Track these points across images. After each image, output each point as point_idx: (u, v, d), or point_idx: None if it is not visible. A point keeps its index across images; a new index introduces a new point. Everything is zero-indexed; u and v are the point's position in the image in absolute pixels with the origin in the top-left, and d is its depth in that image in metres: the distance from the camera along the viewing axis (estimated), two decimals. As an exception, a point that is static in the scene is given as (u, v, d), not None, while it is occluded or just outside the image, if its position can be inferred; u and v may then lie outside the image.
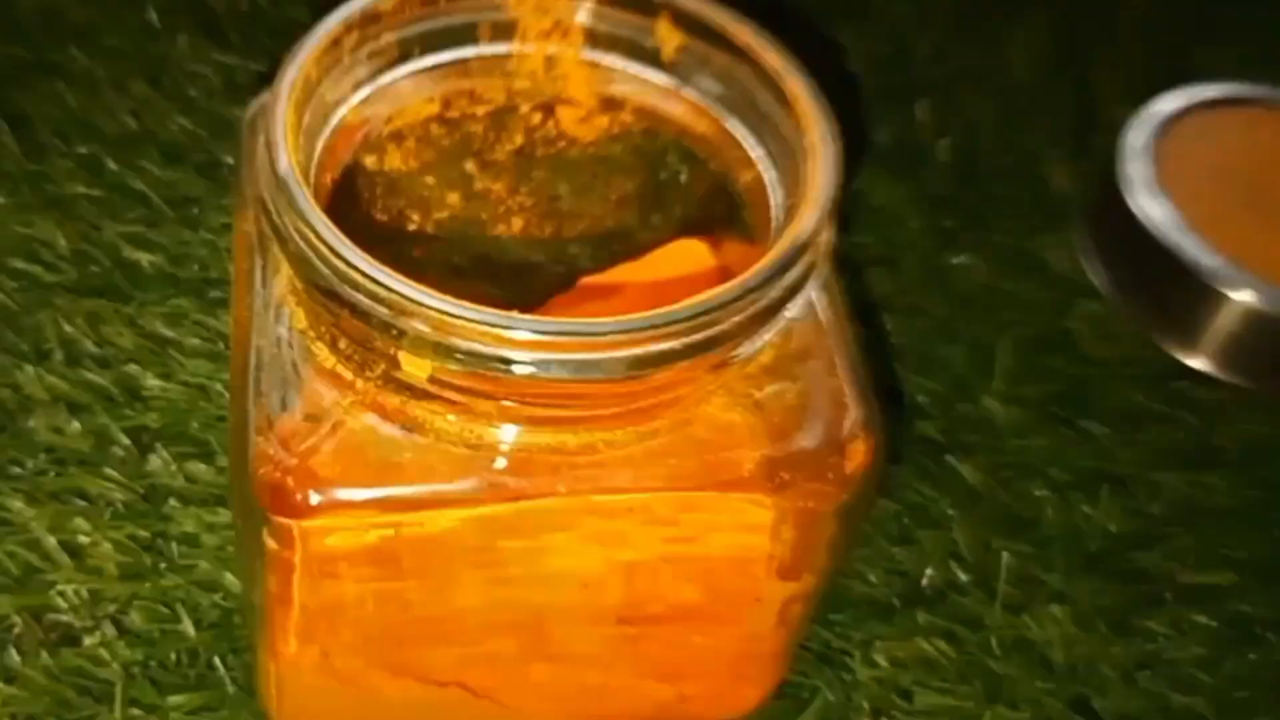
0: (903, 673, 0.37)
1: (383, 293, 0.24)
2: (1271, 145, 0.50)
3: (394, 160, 0.34)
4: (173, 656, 0.36)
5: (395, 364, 0.25)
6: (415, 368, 0.25)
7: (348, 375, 0.26)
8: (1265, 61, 0.55)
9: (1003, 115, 0.53)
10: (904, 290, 0.47)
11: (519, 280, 0.38)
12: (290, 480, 0.25)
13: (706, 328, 0.24)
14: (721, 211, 0.36)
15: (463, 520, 0.26)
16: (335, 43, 0.28)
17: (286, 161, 0.25)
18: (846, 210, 0.48)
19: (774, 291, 0.25)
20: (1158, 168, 0.48)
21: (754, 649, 0.31)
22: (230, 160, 0.47)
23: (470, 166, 0.35)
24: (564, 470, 0.26)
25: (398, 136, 0.33)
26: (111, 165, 0.46)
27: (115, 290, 0.43)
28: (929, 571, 0.39)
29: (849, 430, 0.27)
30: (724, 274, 0.35)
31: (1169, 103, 0.50)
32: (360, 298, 0.25)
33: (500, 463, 0.26)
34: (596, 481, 0.26)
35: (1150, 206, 0.47)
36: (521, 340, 0.24)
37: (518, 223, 0.37)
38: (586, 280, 0.35)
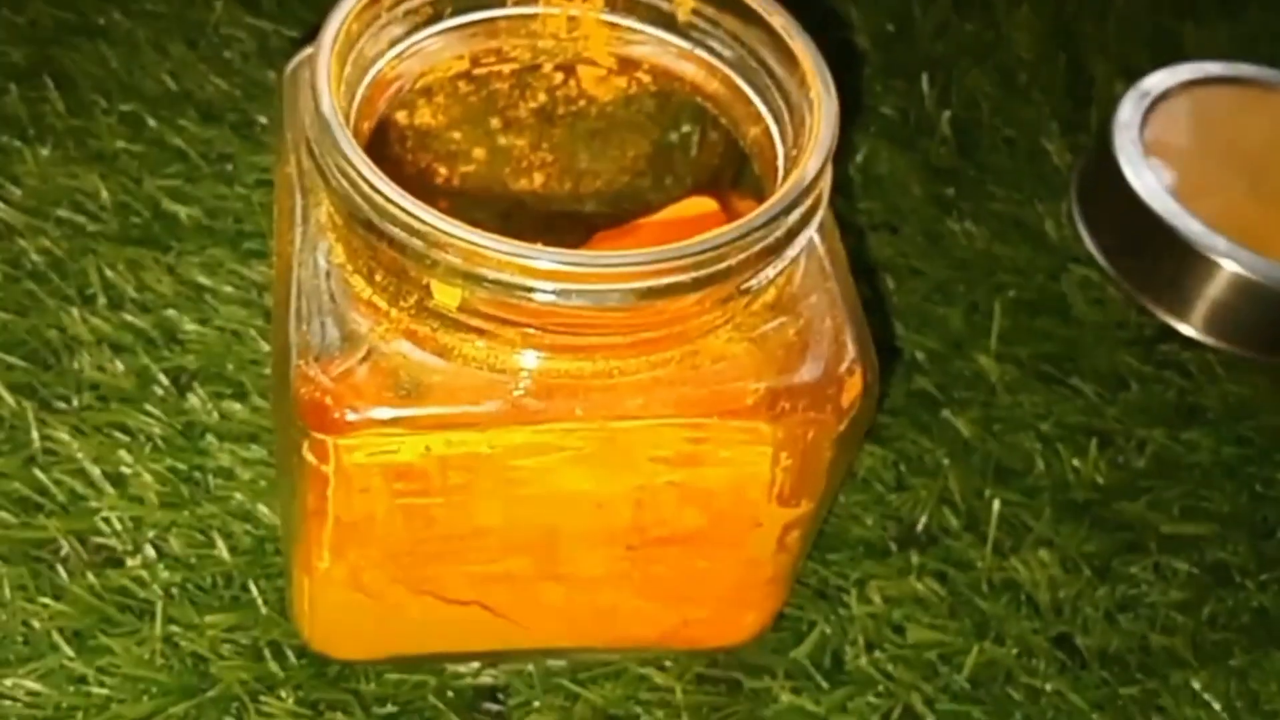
0: (895, 609, 0.39)
1: (417, 225, 0.26)
2: (1259, 122, 0.52)
3: (424, 116, 0.36)
4: (209, 579, 0.38)
5: (427, 293, 0.27)
6: (446, 296, 0.27)
7: (382, 304, 0.28)
8: (1254, 41, 0.57)
9: (1002, 90, 0.55)
10: (905, 254, 0.49)
11: (538, 232, 0.40)
12: (329, 399, 0.28)
13: (714, 262, 0.26)
14: (730, 169, 0.38)
15: (486, 440, 0.28)
16: (374, 1, 0.30)
17: (330, 103, 0.28)
18: (852, 178, 0.51)
19: (779, 230, 0.27)
20: (1149, 141, 0.50)
21: (754, 574, 0.33)
22: (264, 120, 0.49)
23: (495, 123, 0.37)
24: (580, 395, 0.28)
25: (428, 92, 0.35)
26: (151, 123, 0.49)
27: (155, 240, 0.46)
28: (923, 516, 0.41)
29: (846, 365, 0.29)
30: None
31: (1160, 80, 0.52)
32: (396, 231, 0.27)
33: (522, 387, 0.28)
34: (610, 407, 0.28)
35: (1141, 177, 0.49)
36: (544, 270, 0.26)
37: (538, 178, 0.39)
38: (603, 234, 0.38)
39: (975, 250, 0.49)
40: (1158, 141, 0.50)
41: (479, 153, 0.38)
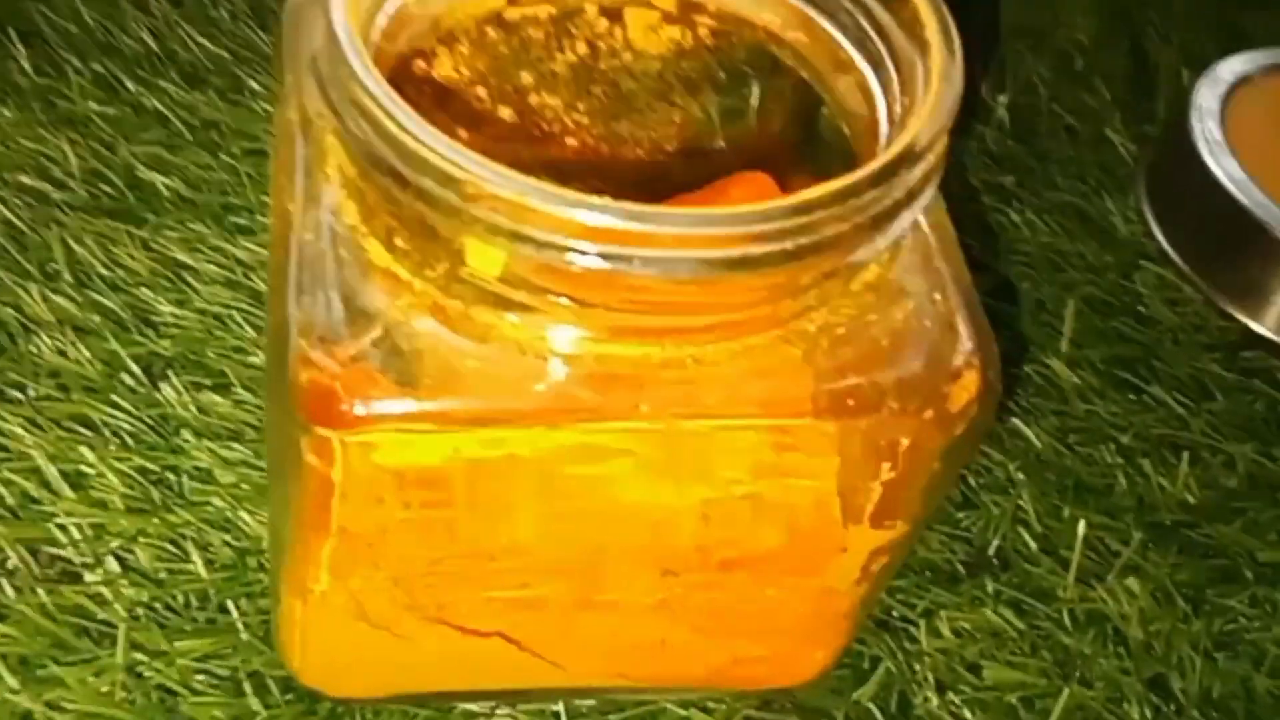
0: (969, 644, 0.34)
1: (451, 170, 0.21)
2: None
3: (445, 67, 0.31)
4: (181, 598, 0.33)
5: (460, 259, 0.22)
6: (484, 262, 0.22)
7: (404, 274, 0.23)
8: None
9: (1059, 75, 0.50)
10: (964, 246, 0.44)
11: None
12: (337, 386, 0.23)
13: (814, 230, 0.22)
14: (791, 140, 0.33)
15: (528, 441, 0.23)
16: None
17: (344, 23, 0.23)
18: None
19: (896, 193, 0.22)
20: (1226, 129, 0.46)
21: (829, 606, 0.28)
22: (255, 85, 0.44)
23: (526, 78, 0.32)
24: (647, 388, 0.23)
25: (450, 39, 0.31)
26: (129, 84, 0.44)
27: (129, 212, 0.40)
28: (995, 538, 0.37)
29: (961, 359, 0.24)
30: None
31: (1237, 65, 0.48)
32: (424, 179, 0.22)
33: (575, 376, 0.23)
34: (682, 403, 0.23)
35: (1224, 167, 0.44)
36: (611, 230, 0.21)
37: (571, 144, 0.34)
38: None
39: (1039, 244, 0.45)
40: (1237, 130, 0.46)
41: (505, 112, 0.33)
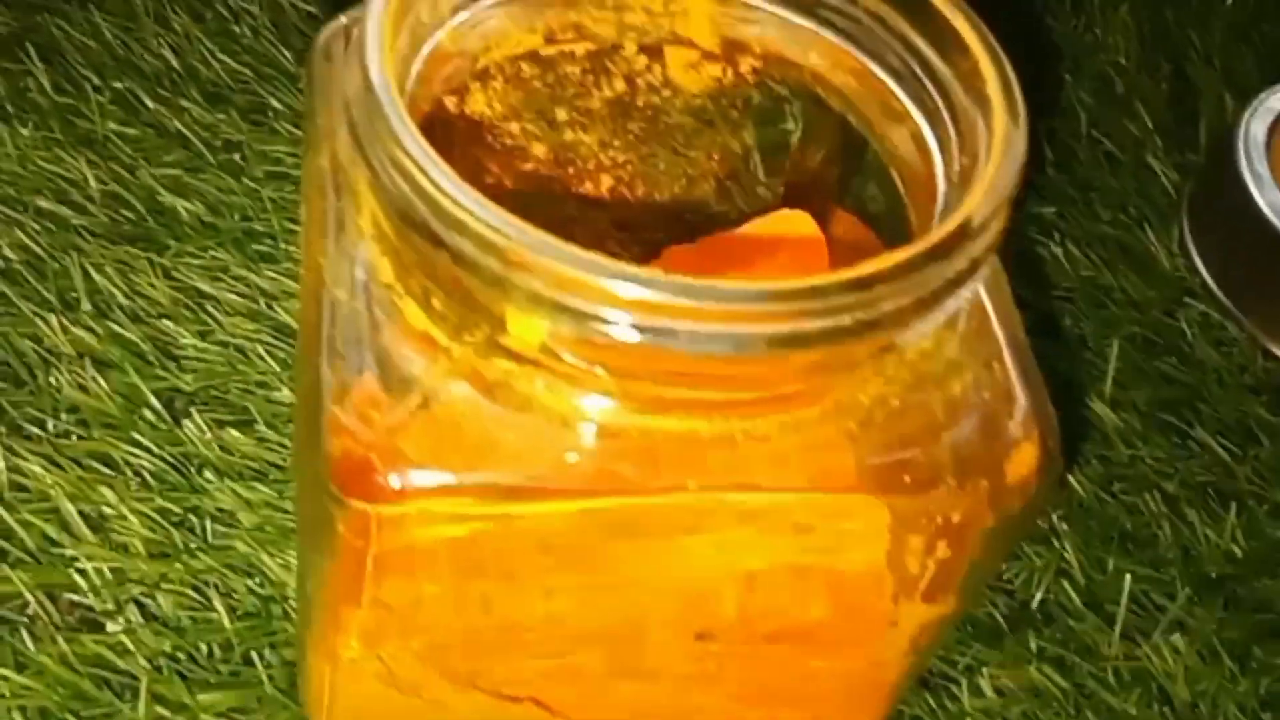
0: (1013, 704, 0.33)
1: (492, 236, 0.20)
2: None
3: (477, 103, 0.30)
4: (204, 648, 0.32)
5: (501, 326, 0.21)
6: (525, 332, 0.21)
7: (442, 338, 0.22)
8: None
9: (1099, 100, 0.49)
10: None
11: (599, 247, 0.34)
12: (372, 458, 0.22)
13: (870, 306, 0.20)
14: (832, 178, 0.32)
15: (569, 515, 0.22)
16: (437, -45, 0.24)
17: (382, 74, 0.22)
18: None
19: (956, 265, 0.21)
20: (1272, 162, 0.44)
21: (874, 676, 0.27)
22: (277, 104, 0.43)
23: (561, 114, 0.31)
24: (694, 463, 0.22)
25: (484, 75, 0.29)
26: (149, 103, 0.43)
27: (150, 238, 0.39)
28: (1038, 590, 0.35)
29: (1019, 431, 0.23)
30: (834, 250, 0.32)
31: (1285, 95, 0.46)
32: (463, 242, 0.21)
33: (618, 450, 0.22)
34: (733, 477, 0.22)
35: (1269, 202, 0.43)
36: (657, 304, 0.20)
37: (605, 181, 0.33)
38: (675, 249, 0.32)
39: (1080, 279, 0.44)
40: (1285, 162, 0.45)
41: (539, 149, 0.32)
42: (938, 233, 0.21)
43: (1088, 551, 0.36)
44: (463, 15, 0.26)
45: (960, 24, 0.24)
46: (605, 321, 0.20)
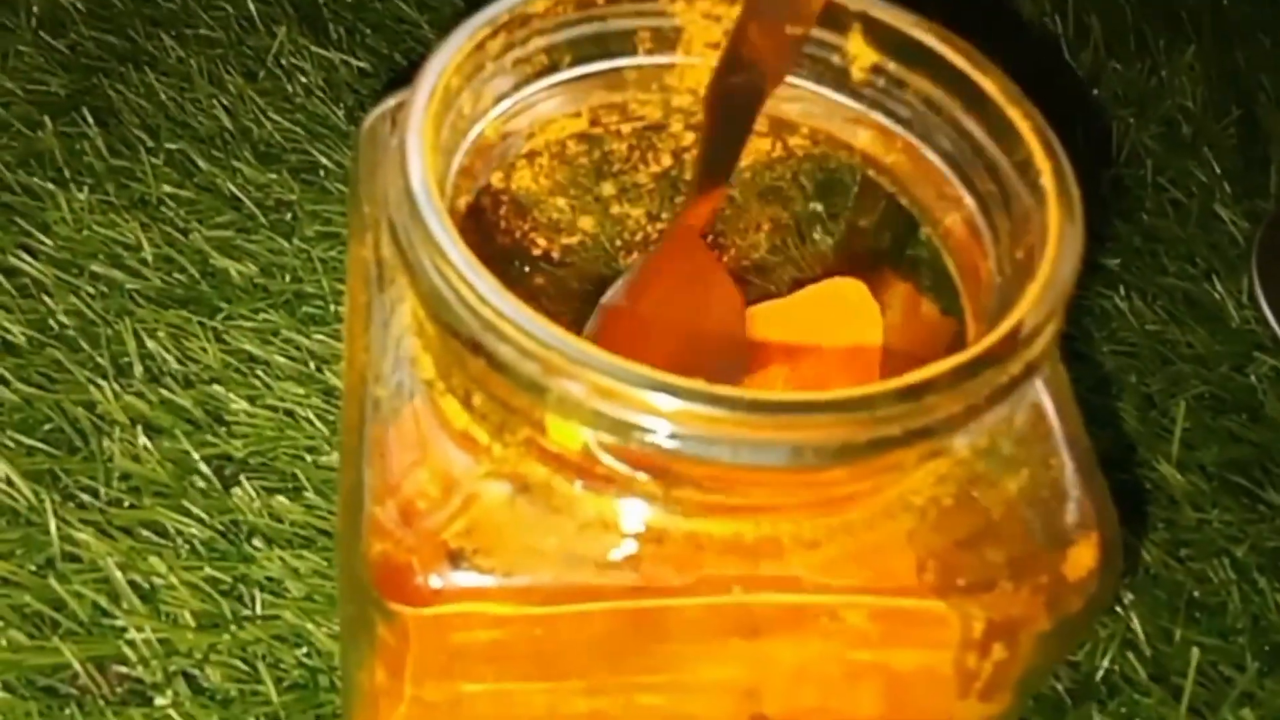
0: (1074, 783, 0.33)
1: (532, 345, 0.20)
2: None
3: (523, 179, 0.30)
4: (251, 722, 0.32)
5: (542, 429, 0.21)
6: (565, 437, 0.21)
7: (483, 439, 0.22)
8: None
9: (1165, 145, 0.48)
10: (1065, 335, 0.42)
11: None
12: (414, 561, 0.21)
13: (922, 414, 0.20)
14: (882, 246, 0.32)
15: (611, 617, 0.22)
16: (479, 48, 0.24)
17: (423, 181, 0.21)
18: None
19: (1011, 369, 0.20)
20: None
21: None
22: (328, 164, 0.43)
23: (608, 189, 0.31)
24: (739, 567, 0.21)
25: (531, 153, 0.29)
26: (202, 164, 0.43)
27: (201, 301, 0.40)
28: (1103, 662, 0.34)
29: (1077, 531, 0.22)
30: (887, 318, 0.31)
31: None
32: (504, 349, 0.20)
33: (661, 554, 0.21)
34: (779, 582, 0.21)
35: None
36: (698, 415, 0.20)
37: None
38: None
39: (1146, 333, 0.42)
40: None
41: (586, 223, 0.32)
42: (991, 337, 0.20)
43: (1154, 622, 0.35)
44: (505, 104, 0.25)
45: (1013, 113, 0.23)
46: (645, 430, 0.20)
